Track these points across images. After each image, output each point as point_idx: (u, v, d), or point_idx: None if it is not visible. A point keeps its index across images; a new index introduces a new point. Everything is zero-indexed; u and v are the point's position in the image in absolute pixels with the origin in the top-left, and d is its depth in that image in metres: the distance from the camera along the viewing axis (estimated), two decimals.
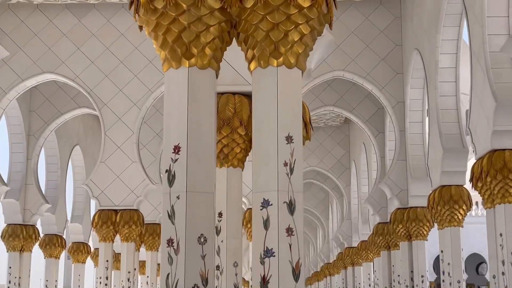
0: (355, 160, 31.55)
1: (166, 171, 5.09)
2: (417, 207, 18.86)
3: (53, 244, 26.63)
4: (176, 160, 5.06)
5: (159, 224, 20.94)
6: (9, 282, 22.62)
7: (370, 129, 23.76)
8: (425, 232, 17.79)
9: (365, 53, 20.10)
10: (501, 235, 12.05)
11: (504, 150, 12.05)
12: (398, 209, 19.91)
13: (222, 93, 8.82)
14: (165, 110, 5.33)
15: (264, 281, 4.80)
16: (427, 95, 17.38)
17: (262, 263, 4.86)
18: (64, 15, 20.08)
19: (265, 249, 4.86)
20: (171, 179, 5.06)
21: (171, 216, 4.97)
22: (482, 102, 12.38)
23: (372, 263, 30.13)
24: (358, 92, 22.72)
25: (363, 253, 30.20)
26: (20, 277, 22.75)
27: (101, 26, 19.81)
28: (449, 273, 15.59)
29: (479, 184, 12.35)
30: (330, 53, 17.87)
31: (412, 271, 19.28)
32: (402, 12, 20.04)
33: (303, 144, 6.14)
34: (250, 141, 7.68)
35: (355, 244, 32.49)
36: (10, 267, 23.14)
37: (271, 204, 4.91)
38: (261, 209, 4.94)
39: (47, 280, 25.39)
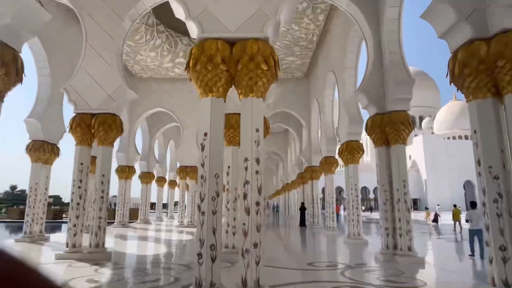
0: (289, 147, 31.53)
1: (200, 144, 4.72)
2: (315, 165, 18.45)
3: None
4: (205, 139, 4.69)
5: None
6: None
7: (296, 133, 23.43)
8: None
9: (294, 99, 19.75)
10: (351, 178, 11.79)
11: (352, 141, 11.88)
12: (308, 166, 19.52)
13: (229, 114, 8.40)
14: (200, 116, 4.95)
15: (245, 196, 4.52)
16: (320, 119, 17.02)
17: (244, 187, 4.55)
18: (164, 83, 19.73)
19: (245, 181, 4.55)
20: (202, 148, 4.71)
21: (203, 165, 4.63)
22: (343, 121, 12.15)
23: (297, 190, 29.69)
24: (291, 117, 22.09)
25: (291, 188, 29.80)
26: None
27: (183, 88, 19.40)
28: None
29: (342, 156, 12.06)
30: (279, 98, 17.67)
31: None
32: (309, 81, 19.68)
33: (265, 136, 5.87)
34: None
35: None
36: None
37: (248, 160, 4.63)
38: (243, 162, 4.62)
39: (141, 197, 23.75)
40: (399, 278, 6.04)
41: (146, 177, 23.57)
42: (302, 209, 19.77)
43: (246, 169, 4.61)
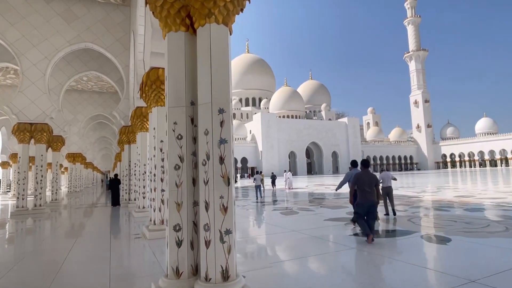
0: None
1: None
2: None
3: None
4: None
5: None
6: None
7: (119, 85, 15.99)
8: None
9: (105, 32, 12.77)
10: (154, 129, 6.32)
11: (159, 68, 6.27)
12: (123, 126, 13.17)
13: None
14: None
15: None
16: (134, 59, 10.54)
17: None
18: None
19: None
20: None
21: None
22: (148, 34, 6.35)
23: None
24: (110, 63, 15.07)
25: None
26: None
27: None
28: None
29: (144, 93, 6.53)
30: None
31: None
32: (130, 10, 12.97)
33: None
34: None
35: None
36: None
37: None
38: None
39: None
40: None
41: None
42: (114, 182, 13.28)
43: None
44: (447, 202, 11.08)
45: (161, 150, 6.29)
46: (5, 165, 30.19)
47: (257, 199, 14.09)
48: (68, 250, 5.69)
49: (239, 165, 73.59)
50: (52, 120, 13.85)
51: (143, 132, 9.62)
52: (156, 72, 6.22)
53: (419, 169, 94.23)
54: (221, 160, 2.85)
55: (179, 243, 2.96)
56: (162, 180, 6.23)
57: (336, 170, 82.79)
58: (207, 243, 2.80)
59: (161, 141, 6.31)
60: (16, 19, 11.52)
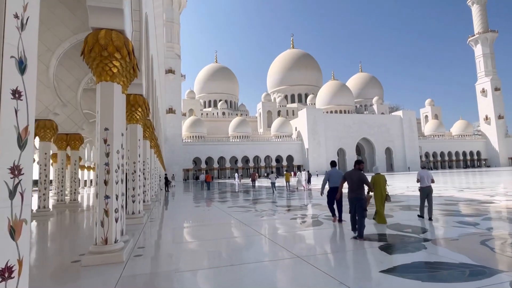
0: None
1: None
2: None
3: None
4: None
5: None
6: None
7: None
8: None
9: None
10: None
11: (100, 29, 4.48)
12: None
13: None
14: None
15: None
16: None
17: None
18: None
19: None
20: None
21: None
22: None
23: None
24: None
25: None
26: None
27: None
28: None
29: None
30: None
31: None
32: None
33: None
34: None
35: None
36: None
37: None
38: None
39: None
40: None
41: None
42: None
43: None
44: None
45: (104, 140, 4.56)
46: None
47: (273, 193, 17.10)
48: None
49: (284, 162, 71.31)
50: (69, 118, 13.26)
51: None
52: (96, 34, 4.48)
53: (488, 166, 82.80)
54: None
55: None
56: (106, 183, 4.48)
57: (390, 167, 76.12)
58: None
59: (106, 129, 4.59)
60: None
